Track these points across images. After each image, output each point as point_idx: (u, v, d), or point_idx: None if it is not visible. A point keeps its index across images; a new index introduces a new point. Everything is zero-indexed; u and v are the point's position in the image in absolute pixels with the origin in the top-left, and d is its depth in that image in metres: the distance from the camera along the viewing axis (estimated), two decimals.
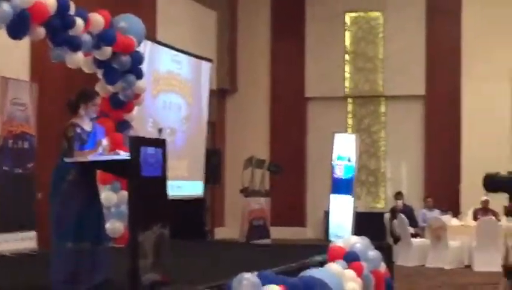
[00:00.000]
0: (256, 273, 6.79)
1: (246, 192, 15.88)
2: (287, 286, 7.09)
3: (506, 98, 17.92)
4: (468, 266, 14.03)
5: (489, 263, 13.15)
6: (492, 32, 17.87)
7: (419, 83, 18.92)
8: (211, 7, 18.12)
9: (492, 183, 4.43)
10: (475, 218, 14.83)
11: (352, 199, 15.61)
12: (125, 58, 10.13)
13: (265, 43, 19.85)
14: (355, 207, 16.37)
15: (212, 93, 16.82)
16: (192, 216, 15.23)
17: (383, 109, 19.71)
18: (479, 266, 13.59)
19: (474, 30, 18.06)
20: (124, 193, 9.07)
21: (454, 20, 18.31)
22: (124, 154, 6.50)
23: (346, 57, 19.79)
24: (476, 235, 13.87)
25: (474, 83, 18.01)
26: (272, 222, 16.78)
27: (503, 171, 5.50)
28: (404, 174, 19.33)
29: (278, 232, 17.40)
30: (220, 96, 19.25)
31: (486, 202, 14.82)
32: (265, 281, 6.79)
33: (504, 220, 13.86)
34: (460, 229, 14.61)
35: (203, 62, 15.88)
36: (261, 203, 16.31)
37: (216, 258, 10.20)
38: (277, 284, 6.87)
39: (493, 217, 14.29)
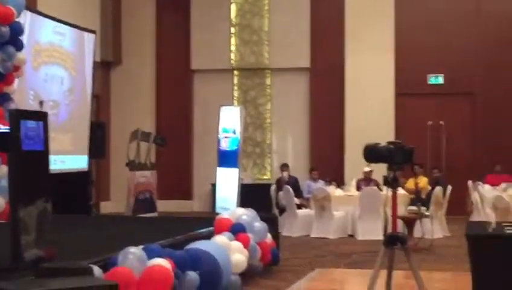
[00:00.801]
0: (142, 246, 6.78)
1: (132, 165, 15.75)
2: (173, 258, 7.10)
3: (389, 71, 18.35)
4: (352, 236, 14.30)
5: (372, 231, 13.51)
6: (375, 5, 18.26)
7: (304, 55, 19.17)
8: None
9: (372, 153, 4.56)
10: (358, 188, 15.16)
11: (238, 171, 15.67)
12: (4, 29, 9.85)
13: (150, 14, 19.64)
14: (241, 179, 16.47)
15: (96, 65, 16.52)
16: (77, 190, 15.00)
17: (268, 81, 19.87)
18: (362, 235, 13.87)
19: (358, 3, 18.41)
20: (5, 168, 8.86)
21: None
22: (3, 128, 6.34)
23: (232, 29, 19.82)
24: (359, 205, 14.18)
25: (357, 55, 18.38)
26: (158, 195, 16.72)
27: (386, 143, 5.70)
28: (289, 146, 19.61)
29: (165, 206, 17.39)
30: (104, 68, 18.98)
31: (368, 173, 15.18)
32: (151, 254, 6.79)
33: (385, 190, 14.23)
34: (344, 200, 14.84)
35: (86, 34, 15.55)
36: (147, 177, 16.21)
37: (102, 233, 10.08)
38: (163, 257, 6.87)
39: (375, 187, 14.65)
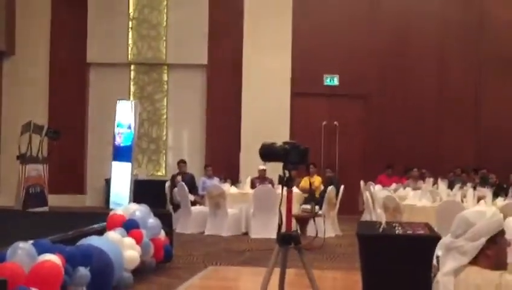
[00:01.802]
0: (32, 242, 6.63)
1: (23, 158, 15.38)
2: (63, 254, 6.98)
3: (285, 70, 18.50)
4: (246, 233, 14.39)
5: (265, 230, 13.59)
6: (273, 5, 18.39)
7: (202, 52, 19.13)
8: None
9: (268, 153, 4.58)
10: (253, 186, 15.24)
11: (131, 166, 15.49)
12: None
13: (45, 5, 19.22)
14: (135, 175, 16.31)
15: None
16: None
17: (165, 77, 19.79)
18: (255, 233, 13.95)
19: (257, 2, 18.50)
20: None
21: None
22: None
23: (130, 23, 19.63)
24: (253, 203, 14.26)
25: (255, 53, 18.46)
26: (50, 190, 16.37)
27: (281, 140, 5.76)
28: (185, 143, 19.56)
29: (57, 200, 17.05)
30: None
31: (263, 171, 15.29)
32: (42, 249, 6.65)
33: (279, 189, 14.36)
34: (238, 197, 14.89)
35: None
36: (38, 170, 15.86)
37: None
38: (53, 252, 6.74)
39: (269, 185, 14.76)
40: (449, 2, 18.62)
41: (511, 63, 18.22)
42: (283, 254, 4.47)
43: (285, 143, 4.58)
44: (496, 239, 3.68)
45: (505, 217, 11.05)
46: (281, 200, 4.59)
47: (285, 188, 4.57)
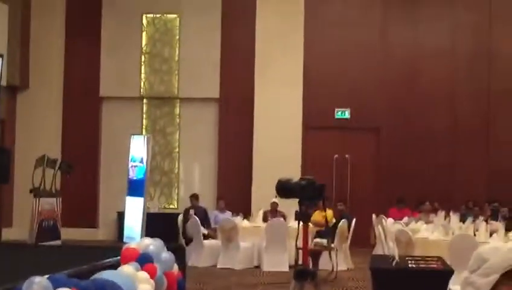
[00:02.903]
0: (47, 276, 6.65)
1: (36, 192, 15.45)
2: (79, 288, 6.99)
3: (297, 104, 18.58)
4: (258, 267, 14.37)
5: (278, 263, 13.60)
6: (285, 39, 18.51)
7: (214, 86, 19.23)
8: (2, 0, 17.47)
9: (284, 189, 4.61)
10: (265, 219, 15.22)
11: (143, 200, 15.51)
12: None
13: (59, 39, 19.40)
14: (147, 208, 16.33)
15: (2, 89, 16.20)
16: None
17: (177, 110, 19.86)
18: (268, 267, 13.92)
19: (268, 36, 18.63)
20: None
21: (248, 27, 18.77)
22: None
23: (143, 57, 19.78)
24: (266, 237, 14.25)
25: (267, 87, 18.58)
26: (63, 223, 16.42)
27: (292, 174, 5.82)
28: (197, 176, 19.57)
29: (69, 233, 17.06)
30: (10, 92, 18.60)
31: (275, 204, 15.26)
32: (57, 284, 6.65)
33: (292, 222, 14.36)
34: (250, 231, 14.91)
35: None
36: (51, 204, 15.92)
37: (3, 261, 9.83)
38: (69, 287, 6.75)
39: (282, 219, 14.74)
40: (458, 35, 18.70)
41: None
42: (299, 289, 4.48)
43: (301, 179, 4.61)
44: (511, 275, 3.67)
45: None
46: (297, 235, 4.60)
47: (301, 224, 4.59)
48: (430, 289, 7.11)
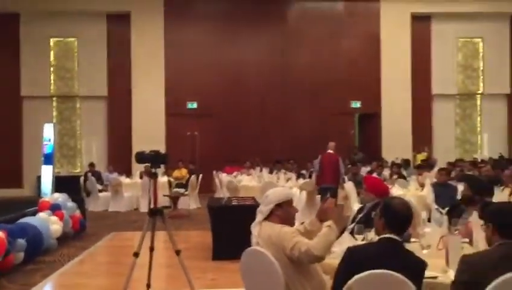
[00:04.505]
0: None
1: None
2: (6, 230, 6.88)
3: (161, 98, 18.54)
4: (137, 209, 14.30)
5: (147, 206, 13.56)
6: (151, 56, 18.41)
7: (103, 87, 18.83)
8: None
9: (140, 157, 4.74)
10: (141, 177, 15.12)
11: (53, 167, 14.92)
12: None
13: None
14: (57, 172, 15.81)
15: None
16: None
17: (78, 105, 19.27)
18: (143, 208, 13.73)
19: (140, 55, 18.47)
20: None
21: (126, 49, 18.51)
22: None
23: (51, 68, 19.07)
24: (141, 189, 14.10)
25: (140, 89, 18.49)
26: None
27: (160, 147, 5.97)
28: (93, 150, 18.91)
29: (2, 193, 16.36)
30: None
31: (147, 167, 14.91)
32: None
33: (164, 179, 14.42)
34: (131, 185, 14.80)
35: None
36: None
37: None
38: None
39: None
40: (267, 52, 18.91)
41: (308, 91, 18.94)
42: (152, 222, 4.65)
43: (151, 151, 4.74)
44: (282, 205, 3.99)
45: (302, 191, 11.58)
46: (149, 188, 4.72)
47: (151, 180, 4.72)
48: (246, 218, 7.37)
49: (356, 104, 19.24)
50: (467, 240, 4.41)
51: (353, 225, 4.90)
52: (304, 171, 14.80)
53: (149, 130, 18.08)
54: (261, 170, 15.61)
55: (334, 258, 3.87)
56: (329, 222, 3.68)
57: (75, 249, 9.00)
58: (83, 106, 19.26)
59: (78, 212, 10.09)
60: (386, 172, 13.48)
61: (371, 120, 19.53)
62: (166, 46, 18.59)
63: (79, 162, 19.28)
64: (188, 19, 18.74)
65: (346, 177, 11.87)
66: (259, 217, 3.94)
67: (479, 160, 16.53)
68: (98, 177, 15.40)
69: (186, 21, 18.71)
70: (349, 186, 10.82)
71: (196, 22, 18.77)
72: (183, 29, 18.70)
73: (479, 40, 19.76)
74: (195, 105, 18.96)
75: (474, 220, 4.44)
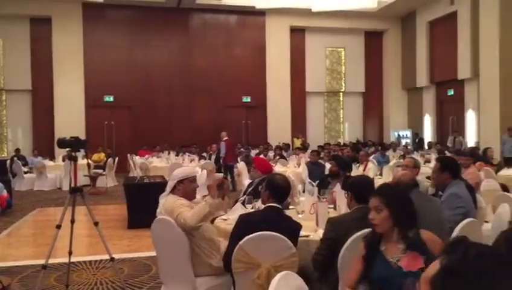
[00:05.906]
0: None
1: None
2: None
3: (81, 93, 17.64)
4: (60, 188, 13.57)
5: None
6: (72, 55, 17.42)
7: (27, 82, 17.56)
8: None
9: (61, 143, 4.52)
10: (63, 160, 14.36)
11: None
12: None
13: None
14: None
15: None
16: None
17: (3, 98, 17.83)
18: (65, 187, 13.11)
19: (62, 53, 17.41)
20: None
21: (47, 48, 17.38)
22: None
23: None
24: (63, 169, 13.40)
25: (62, 85, 17.42)
26: None
27: (80, 135, 5.66)
28: (19, 137, 17.71)
29: None
30: None
31: (69, 152, 14.45)
32: None
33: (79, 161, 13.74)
34: (54, 167, 14.07)
35: None
36: None
37: None
38: None
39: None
40: (173, 54, 18.69)
41: (207, 88, 18.82)
42: (73, 199, 4.44)
43: (71, 137, 4.53)
44: (183, 181, 3.87)
45: (203, 170, 11.50)
46: (70, 169, 4.49)
47: (72, 162, 4.50)
48: (156, 193, 7.25)
49: (247, 99, 19.48)
50: (332, 205, 4.62)
51: (244, 196, 4.96)
52: (204, 154, 14.85)
53: (71, 121, 17.18)
54: (168, 153, 15.45)
55: (229, 225, 3.89)
56: (207, 197, 3.65)
57: (2, 223, 8.45)
58: (9, 99, 17.86)
59: (5, 192, 9.42)
60: (271, 154, 13.89)
61: (258, 112, 19.88)
62: (85, 47, 17.70)
63: (6, 148, 17.93)
64: (105, 23, 17.99)
65: (239, 158, 12.15)
66: (166, 190, 3.88)
67: (342, 143, 17.41)
68: (24, 161, 14.43)
69: (103, 25, 17.96)
70: (241, 165, 10.96)
71: (112, 26, 18.06)
72: (100, 32, 17.93)
73: (342, 49, 20.69)
74: (111, 98, 18.28)
75: (338, 190, 4.65)
